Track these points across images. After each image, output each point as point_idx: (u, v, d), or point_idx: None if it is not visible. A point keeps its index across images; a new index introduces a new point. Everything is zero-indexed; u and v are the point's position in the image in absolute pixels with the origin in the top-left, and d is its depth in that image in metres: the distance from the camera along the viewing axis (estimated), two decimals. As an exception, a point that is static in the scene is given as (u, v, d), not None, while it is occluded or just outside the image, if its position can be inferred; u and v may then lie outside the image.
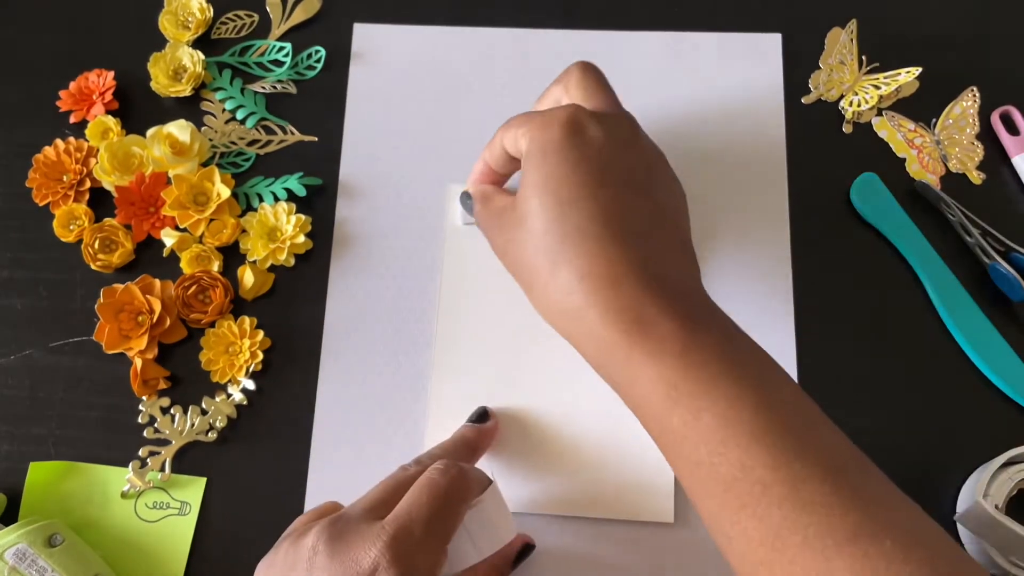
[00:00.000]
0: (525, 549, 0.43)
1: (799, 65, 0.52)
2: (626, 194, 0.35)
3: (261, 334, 0.48)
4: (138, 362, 0.47)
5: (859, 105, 0.51)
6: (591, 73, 0.39)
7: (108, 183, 0.50)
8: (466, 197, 0.42)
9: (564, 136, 0.35)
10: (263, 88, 0.53)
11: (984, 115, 0.51)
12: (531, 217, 0.35)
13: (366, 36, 0.54)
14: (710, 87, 0.52)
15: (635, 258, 0.33)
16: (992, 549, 0.41)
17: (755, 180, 0.50)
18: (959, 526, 0.43)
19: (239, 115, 0.52)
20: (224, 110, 0.53)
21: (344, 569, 0.31)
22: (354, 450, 0.46)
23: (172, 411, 0.47)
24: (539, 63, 0.53)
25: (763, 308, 0.48)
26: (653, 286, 0.33)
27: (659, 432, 0.33)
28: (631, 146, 0.37)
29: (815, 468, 0.29)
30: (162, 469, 0.46)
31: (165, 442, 0.46)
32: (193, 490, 0.45)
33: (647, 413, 0.33)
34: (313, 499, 0.45)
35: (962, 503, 0.44)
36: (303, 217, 0.49)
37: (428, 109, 0.52)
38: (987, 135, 0.51)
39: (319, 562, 0.32)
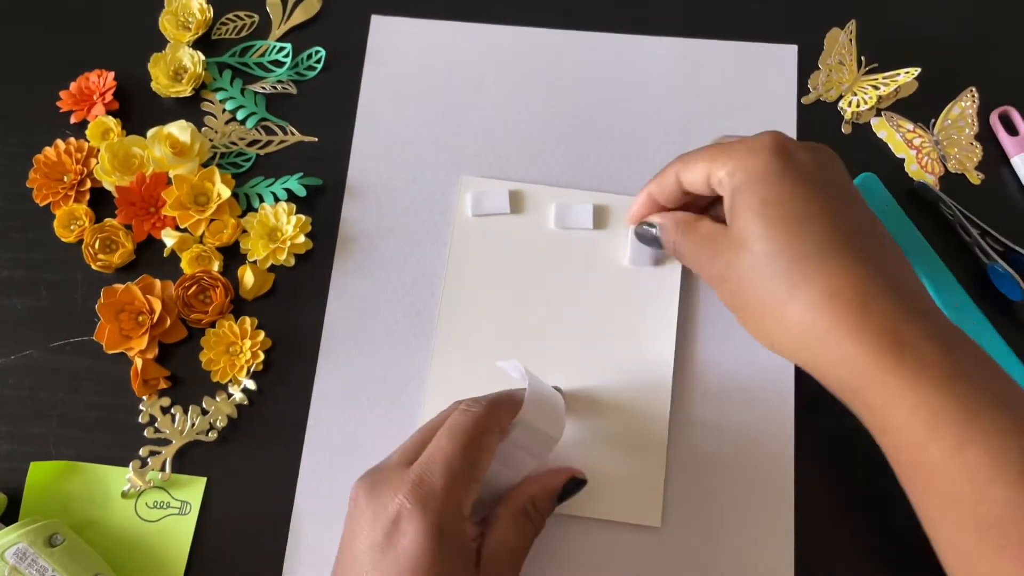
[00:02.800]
0: (573, 484, 0.42)
1: (800, 65, 0.52)
2: (851, 210, 0.34)
3: (262, 334, 0.48)
4: (138, 362, 0.47)
5: (858, 105, 0.51)
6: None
7: (108, 183, 0.50)
8: (648, 230, 0.40)
9: (776, 160, 0.34)
10: (263, 88, 0.53)
11: (983, 115, 0.51)
12: (756, 240, 0.33)
13: (381, 29, 0.54)
14: (725, 94, 0.52)
15: (881, 273, 0.32)
16: None
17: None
18: None
19: (239, 115, 0.53)
20: (224, 110, 0.53)
21: (375, 514, 0.34)
22: (352, 450, 0.46)
23: (172, 411, 0.47)
24: (544, 63, 0.53)
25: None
26: (907, 305, 0.31)
27: (911, 464, 0.31)
28: (838, 165, 0.36)
29: None
30: (162, 469, 0.46)
31: (165, 442, 0.46)
32: (193, 490, 0.45)
33: (900, 443, 0.31)
34: (305, 499, 0.45)
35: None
36: (303, 217, 0.50)
37: (438, 104, 0.52)
38: (986, 135, 0.51)
39: (358, 511, 0.35)
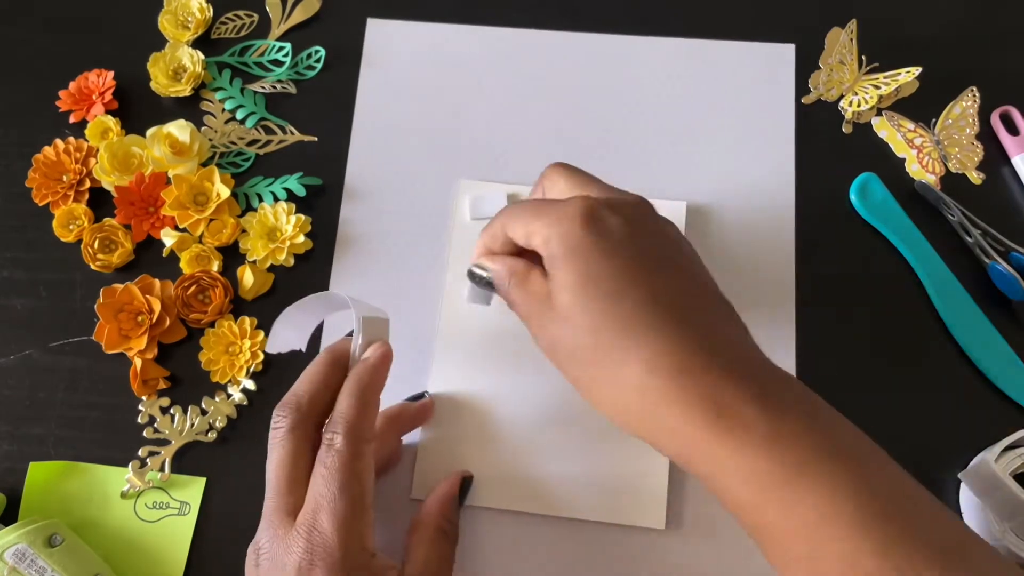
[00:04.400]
0: (467, 483, 0.44)
1: (799, 65, 0.52)
2: (666, 275, 0.33)
3: (261, 334, 0.48)
4: (138, 362, 0.47)
5: (859, 105, 0.51)
6: (570, 168, 0.38)
7: (108, 183, 0.50)
8: (479, 272, 0.38)
9: (585, 229, 0.33)
10: (263, 88, 0.53)
11: (984, 115, 0.51)
12: (577, 315, 0.32)
13: (377, 31, 0.54)
14: (723, 94, 0.52)
15: (697, 339, 0.31)
16: (992, 514, 0.41)
17: (762, 185, 0.50)
18: (962, 490, 0.44)
19: (239, 115, 0.52)
20: (224, 110, 0.53)
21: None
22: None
23: (172, 411, 0.47)
24: (542, 65, 0.53)
25: (764, 309, 0.48)
26: (724, 366, 0.31)
27: (752, 527, 0.31)
28: (651, 225, 0.35)
29: (927, 551, 0.27)
30: (162, 469, 0.46)
31: (165, 442, 0.46)
32: (193, 490, 0.45)
33: (738, 506, 0.31)
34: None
35: (964, 502, 0.44)
36: (303, 217, 0.49)
37: (436, 107, 0.52)
38: (987, 135, 0.51)
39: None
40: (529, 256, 0.36)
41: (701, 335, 0.31)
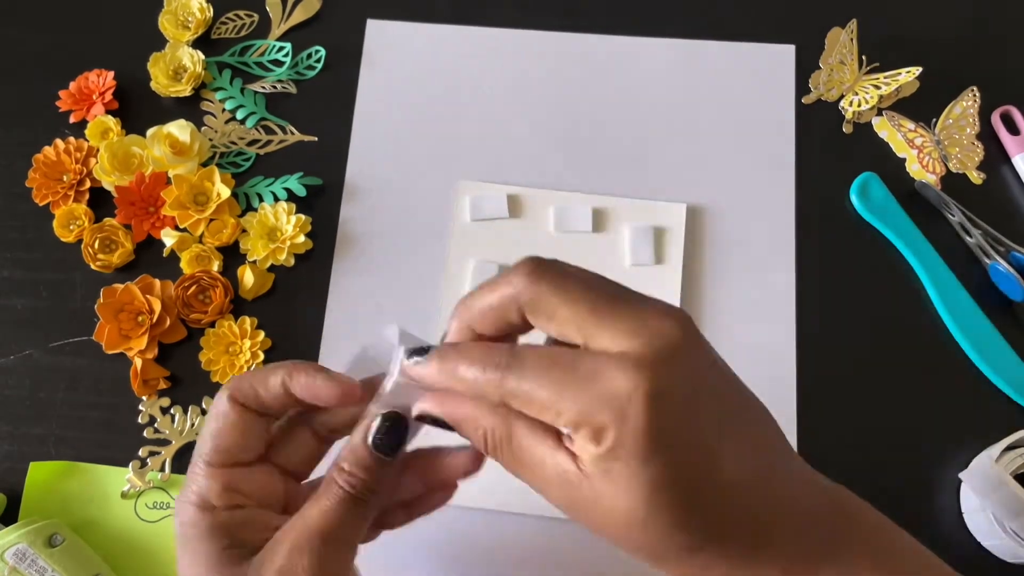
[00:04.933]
0: (392, 421, 0.30)
1: (799, 65, 0.52)
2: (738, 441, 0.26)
3: (261, 334, 0.48)
4: (138, 362, 0.47)
5: (859, 105, 0.51)
6: (567, 279, 0.28)
7: (108, 183, 0.50)
8: (417, 356, 0.29)
9: (653, 428, 0.24)
10: (263, 88, 0.53)
11: (984, 115, 0.51)
12: (638, 523, 0.25)
13: (377, 32, 0.54)
14: (722, 94, 0.52)
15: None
16: (992, 515, 0.41)
17: (763, 185, 0.50)
18: (962, 490, 0.44)
19: (239, 115, 0.52)
20: (224, 110, 0.53)
21: None
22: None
23: (172, 411, 0.47)
24: (541, 66, 0.53)
25: (765, 310, 0.48)
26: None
27: None
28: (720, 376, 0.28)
29: None
30: (162, 469, 0.46)
31: (165, 442, 0.46)
32: (193, 490, 0.45)
33: None
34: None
35: (964, 502, 0.44)
36: (303, 217, 0.49)
37: (436, 108, 0.52)
38: (987, 135, 0.51)
39: None
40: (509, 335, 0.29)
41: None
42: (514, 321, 0.28)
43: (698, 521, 0.26)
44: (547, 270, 0.27)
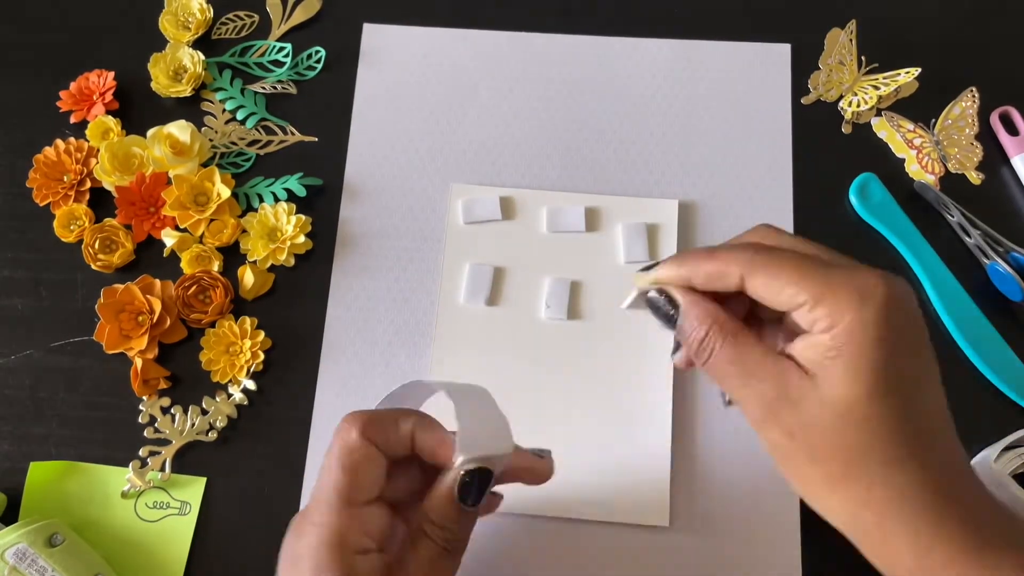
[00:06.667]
0: (470, 477, 0.34)
1: (798, 65, 0.52)
2: (935, 385, 0.29)
3: (262, 334, 0.48)
4: (138, 362, 0.47)
5: (858, 105, 0.51)
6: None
7: (108, 183, 0.50)
8: (665, 305, 0.31)
9: (889, 320, 0.27)
10: (263, 88, 0.53)
11: (983, 115, 0.51)
12: (864, 413, 0.27)
13: (374, 35, 0.54)
14: (719, 94, 0.52)
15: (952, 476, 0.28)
16: None
17: (761, 185, 0.50)
18: None
19: (239, 115, 0.53)
20: (224, 110, 0.53)
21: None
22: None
23: (172, 411, 0.47)
24: (537, 67, 0.53)
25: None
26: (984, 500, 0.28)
27: None
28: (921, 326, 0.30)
29: None
30: (162, 469, 0.46)
31: (165, 442, 0.46)
32: (193, 490, 0.45)
33: None
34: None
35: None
36: (303, 217, 0.50)
37: (433, 110, 0.52)
38: (986, 135, 0.51)
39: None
40: (729, 304, 0.30)
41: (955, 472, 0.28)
42: (732, 285, 0.30)
43: (911, 428, 0.27)
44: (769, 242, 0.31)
